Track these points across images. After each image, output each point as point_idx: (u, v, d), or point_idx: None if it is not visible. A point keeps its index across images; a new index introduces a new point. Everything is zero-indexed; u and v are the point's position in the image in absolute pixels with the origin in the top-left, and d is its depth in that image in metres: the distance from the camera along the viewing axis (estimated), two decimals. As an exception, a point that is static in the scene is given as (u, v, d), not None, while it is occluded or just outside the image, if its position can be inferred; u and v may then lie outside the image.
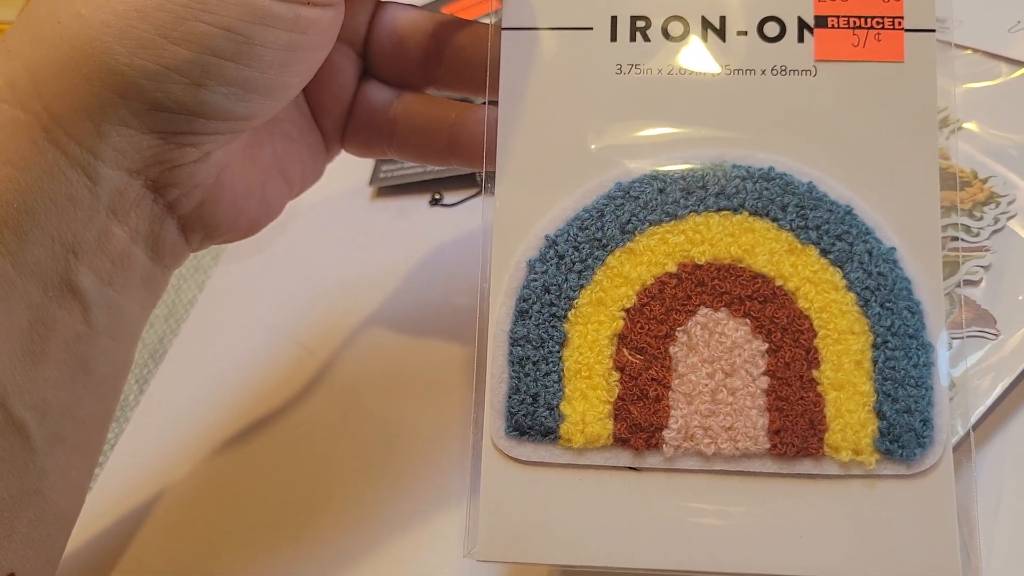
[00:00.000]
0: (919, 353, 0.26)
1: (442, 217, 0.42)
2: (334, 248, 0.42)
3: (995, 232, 0.33)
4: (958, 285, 0.31)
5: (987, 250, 0.32)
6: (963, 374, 0.28)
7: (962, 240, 0.32)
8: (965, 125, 0.36)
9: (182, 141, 0.24)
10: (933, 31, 0.27)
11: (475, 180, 0.43)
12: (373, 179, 0.45)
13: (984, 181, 0.34)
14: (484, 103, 0.29)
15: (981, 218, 0.33)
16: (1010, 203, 0.33)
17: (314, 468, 0.34)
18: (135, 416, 0.37)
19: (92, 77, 0.22)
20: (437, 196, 0.43)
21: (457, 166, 0.31)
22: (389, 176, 0.45)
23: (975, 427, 0.28)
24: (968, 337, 0.30)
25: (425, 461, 0.32)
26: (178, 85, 0.23)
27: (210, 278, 0.43)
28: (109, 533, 0.33)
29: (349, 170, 0.43)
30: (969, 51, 0.38)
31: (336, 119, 0.31)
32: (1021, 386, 0.29)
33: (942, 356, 0.26)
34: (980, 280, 0.32)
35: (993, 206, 0.33)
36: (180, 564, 0.32)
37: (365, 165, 0.45)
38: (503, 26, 0.28)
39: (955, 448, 0.26)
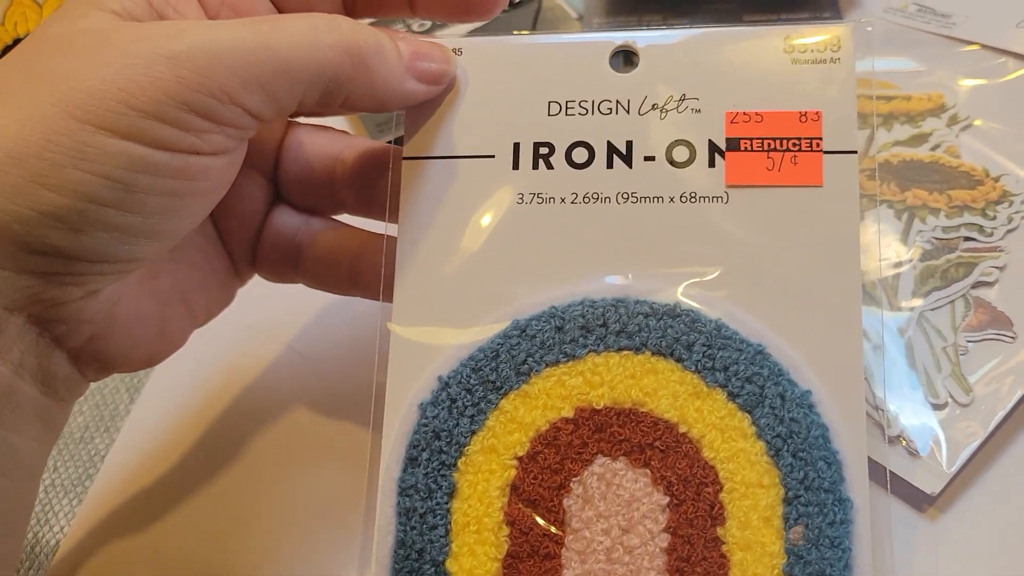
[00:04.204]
0: (835, 509, 0.24)
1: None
2: None
3: (1009, 231, 0.32)
4: (973, 286, 0.31)
5: (1001, 250, 0.32)
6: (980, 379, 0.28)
7: (976, 240, 0.32)
8: (974, 122, 0.36)
9: (63, 281, 0.24)
10: (855, 152, 0.26)
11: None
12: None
13: (996, 179, 0.34)
14: (384, 234, 0.28)
15: (994, 217, 0.33)
16: (1023, 202, 0.33)
17: (308, 474, 0.34)
18: (126, 426, 0.37)
19: None
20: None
21: (360, 296, 0.30)
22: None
23: (994, 433, 0.28)
24: (984, 340, 0.30)
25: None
26: (54, 231, 0.23)
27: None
28: (102, 543, 0.33)
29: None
30: (976, 46, 0.39)
31: (246, 245, 0.31)
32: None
33: (863, 513, 0.24)
34: (995, 281, 0.31)
35: (1006, 205, 0.33)
36: (174, 573, 0.32)
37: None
38: (403, 155, 0.28)
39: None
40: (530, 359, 0.26)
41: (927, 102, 0.37)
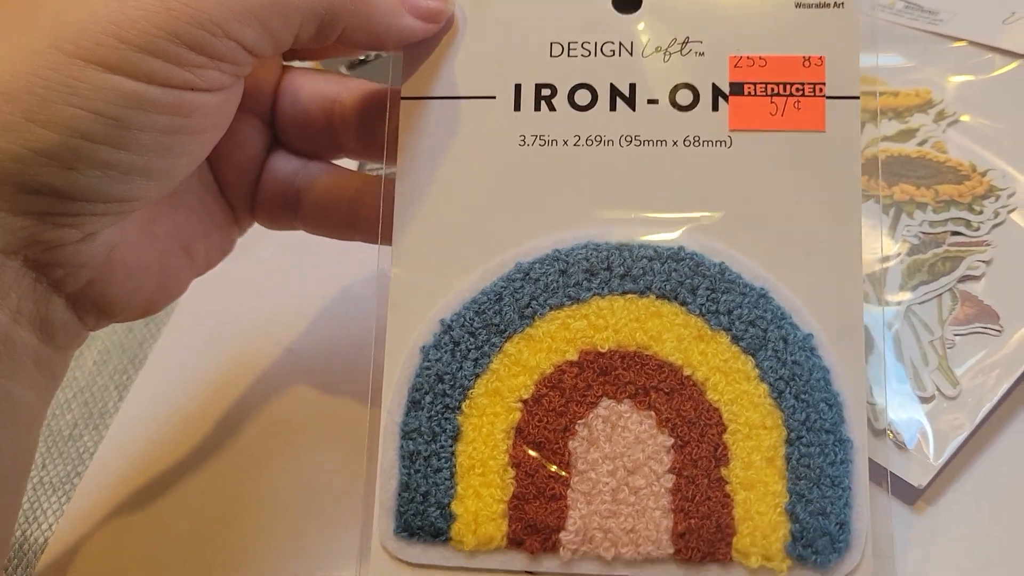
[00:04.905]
0: (836, 450, 0.24)
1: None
2: (318, 248, 0.41)
3: (996, 226, 0.33)
4: (959, 280, 0.31)
5: (988, 244, 0.32)
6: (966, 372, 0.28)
7: (962, 235, 0.32)
8: (961, 118, 0.36)
9: (59, 222, 0.23)
10: (857, 98, 0.26)
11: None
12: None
13: (983, 174, 0.34)
14: (382, 175, 0.27)
15: (981, 212, 0.33)
16: (1010, 196, 0.33)
17: (299, 471, 0.33)
18: (115, 423, 0.37)
19: None
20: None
21: (359, 240, 0.29)
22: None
23: (980, 425, 0.28)
24: (971, 334, 0.30)
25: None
26: (47, 168, 0.22)
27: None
28: (91, 540, 0.33)
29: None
30: (964, 43, 0.39)
31: (244, 191, 0.30)
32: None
33: (862, 453, 0.24)
34: (981, 275, 0.31)
35: (993, 199, 0.33)
36: (163, 572, 0.32)
37: (350, 162, 0.44)
38: (402, 95, 0.27)
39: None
40: (534, 302, 0.26)
41: (914, 98, 0.38)
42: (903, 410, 0.29)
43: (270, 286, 0.40)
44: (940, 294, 0.31)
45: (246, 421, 0.35)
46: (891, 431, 0.29)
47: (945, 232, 0.33)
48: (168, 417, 0.36)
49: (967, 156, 0.35)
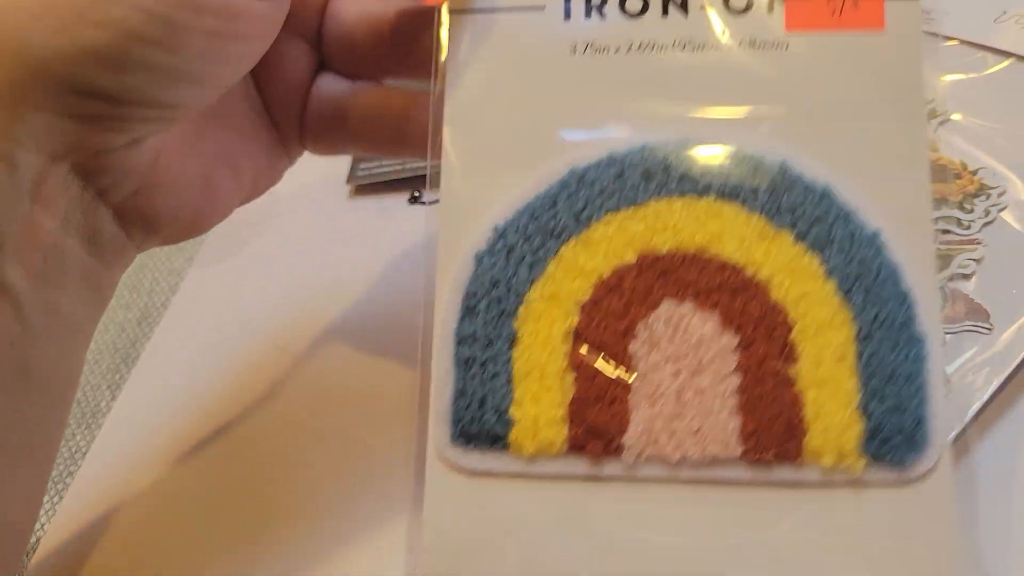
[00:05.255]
0: (910, 346, 0.23)
1: (421, 215, 0.41)
2: (311, 248, 0.42)
3: (986, 224, 0.32)
4: (950, 279, 0.31)
5: (979, 243, 0.32)
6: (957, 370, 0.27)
7: (953, 233, 0.32)
8: (953, 117, 0.36)
9: (106, 126, 0.23)
10: (916, -3, 0.25)
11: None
12: (351, 177, 0.44)
13: (974, 173, 0.34)
14: (430, 91, 0.27)
15: (972, 210, 0.33)
16: (1000, 195, 0.33)
17: (291, 472, 0.33)
18: (107, 422, 0.37)
19: (5, 59, 0.22)
20: (416, 194, 0.42)
21: (408, 157, 0.29)
22: (367, 174, 0.44)
23: (971, 423, 0.27)
24: (961, 332, 0.29)
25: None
26: (97, 68, 0.22)
27: (184, 280, 0.42)
28: (83, 540, 0.33)
29: (326, 168, 0.43)
30: (955, 42, 0.38)
31: (291, 115, 0.30)
32: (1016, 380, 0.28)
33: (936, 349, 0.23)
34: (972, 273, 0.31)
35: (984, 198, 0.33)
36: (156, 571, 0.31)
37: (342, 163, 0.45)
38: (449, 8, 0.27)
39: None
40: (589, 205, 0.25)
41: (906, 96, 0.37)
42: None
43: (263, 285, 0.40)
44: (932, 292, 0.31)
45: (239, 419, 0.35)
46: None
47: (936, 230, 0.32)
48: (161, 416, 0.36)
49: (958, 155, 0.35)
